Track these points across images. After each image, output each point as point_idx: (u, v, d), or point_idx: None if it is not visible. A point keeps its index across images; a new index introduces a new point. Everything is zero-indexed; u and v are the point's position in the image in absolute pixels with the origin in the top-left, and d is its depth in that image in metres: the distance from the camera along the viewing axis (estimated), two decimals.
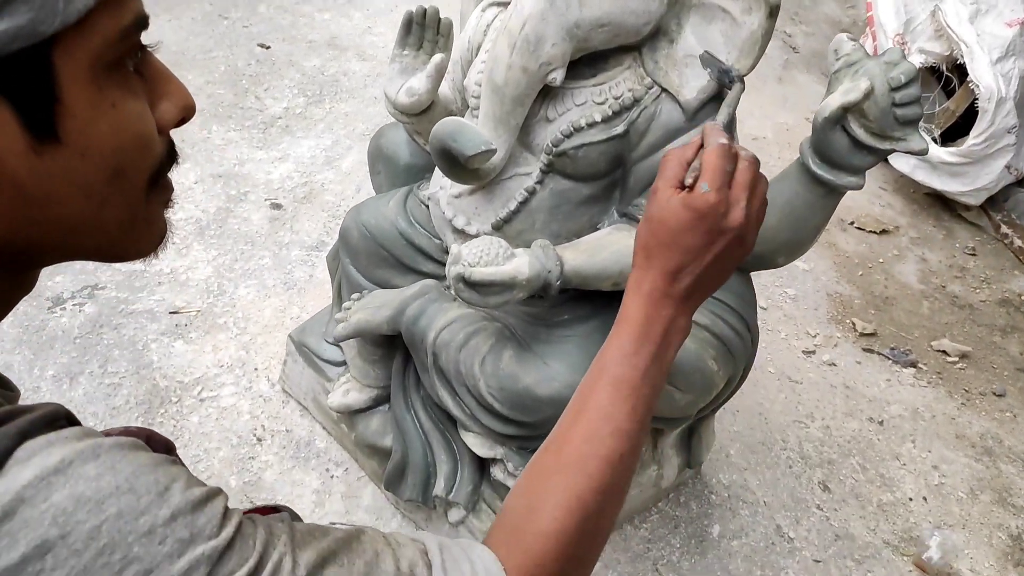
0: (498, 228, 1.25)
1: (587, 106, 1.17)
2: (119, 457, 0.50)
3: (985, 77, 2.35)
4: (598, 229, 1.27)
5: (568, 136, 1.17)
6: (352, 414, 1.57)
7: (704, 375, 1.23)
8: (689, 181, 0.74)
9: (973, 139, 2.40)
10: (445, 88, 1.38)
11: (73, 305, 1.87)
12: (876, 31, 2.69)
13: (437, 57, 1.28)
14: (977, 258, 2.52)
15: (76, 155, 0.50)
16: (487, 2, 1.30)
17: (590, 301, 1.31)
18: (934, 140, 2.55)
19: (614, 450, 0.67)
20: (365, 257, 1.46)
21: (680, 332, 0.74)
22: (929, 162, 2.52)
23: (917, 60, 2.53)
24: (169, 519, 0.49)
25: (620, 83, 1.17)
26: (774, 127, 2.88)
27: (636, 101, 1.16)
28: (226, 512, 0.52)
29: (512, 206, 1.24)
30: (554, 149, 1.18)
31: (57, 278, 1.92)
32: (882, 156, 1.09)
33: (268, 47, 2.78)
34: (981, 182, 2.48)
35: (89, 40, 0.48)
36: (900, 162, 2.61)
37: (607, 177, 1.23)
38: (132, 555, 0.47)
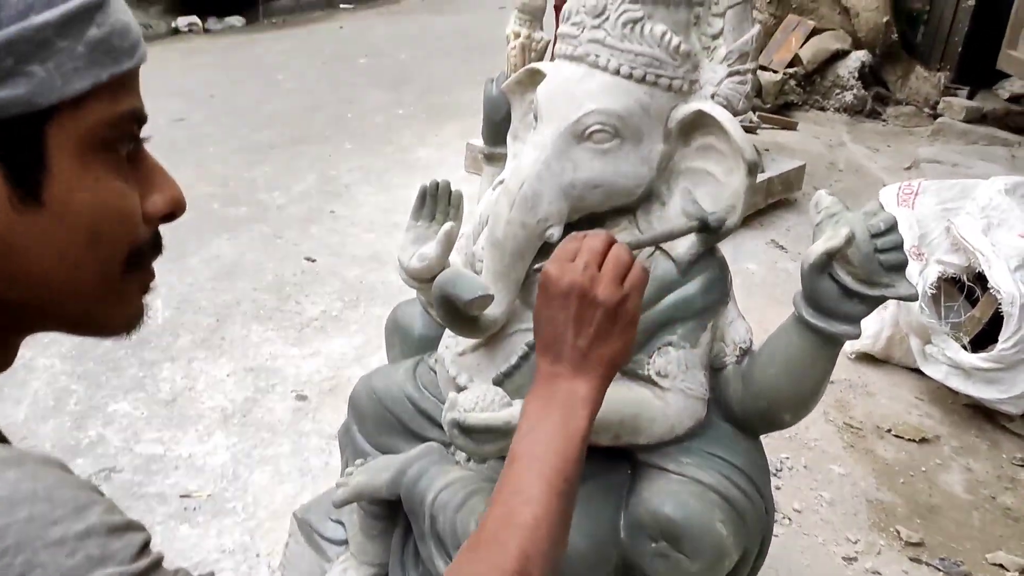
0: (499, 383, 1.26)
1: None
2: (43, 470, 0.50)
3: (1005, 283, 2.38)
4: None
5: None
6: None
7: (713, 539, 1.16)
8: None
9: (1002, 344, 2.37)
10: (456, 258, 1.45)
11: None
12: None
13: (447, 225, 1.37)
14: None
15: (55, 218, 0.54)
16: (498, 180, 1.41)
17: (590, 461, 1.27)
18: (964, 348, 2.53)
19: (526, 516, 0.67)
20: (372, 423, 1.47)
21: (584, 401, 0.78)
22: (962, 369, 2.48)
23: (936, 271, 2.59)
24: (83, 534, 0.48)
25: None
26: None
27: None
28: (145, 547, 0.51)
29: (513, 360, 1.25)
30: None
31: (78, 460, 1.95)
32: (873, 304, 1.10)
33: (314, 260, 2.99)
34: (1018, 389, 2.40)
35: (82, 119, 0.54)
36: (933, 369, 2.57)
37: None
38: (37, 561, 0.46)
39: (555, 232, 1.19)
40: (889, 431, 2.46)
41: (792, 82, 5.49)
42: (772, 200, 3.89)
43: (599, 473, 1.25)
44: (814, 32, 5.70)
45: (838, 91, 5.59)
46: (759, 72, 5.42)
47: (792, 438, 2.35)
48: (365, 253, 3.08)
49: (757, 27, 3.96)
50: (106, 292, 0.60)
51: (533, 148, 1.18)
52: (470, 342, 1.31)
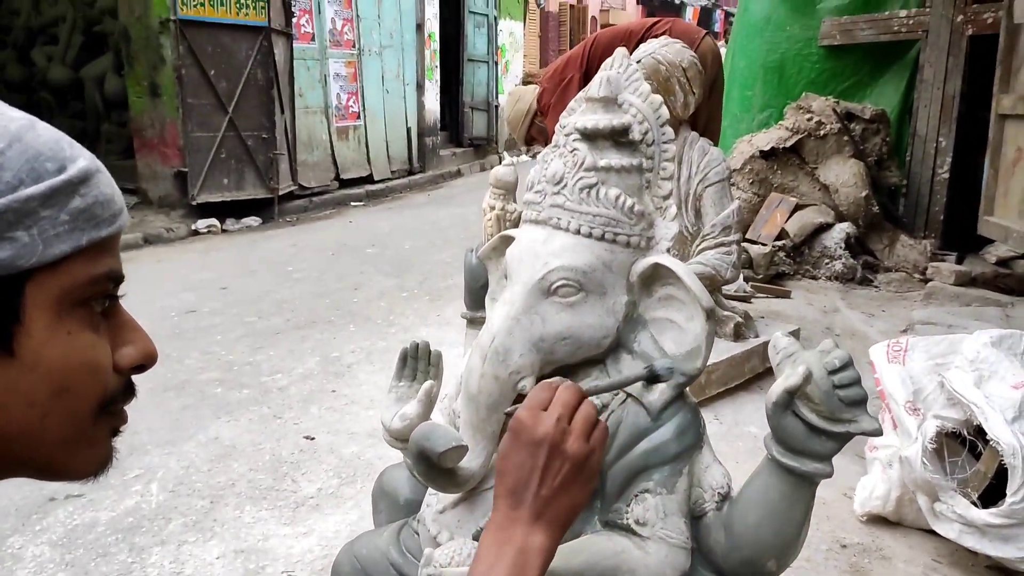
0: (478, 538, 1.25)
1: None
2: None
3: (1005, 435, 2.35)
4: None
5: None
6: None
7: None
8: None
9: (1011, 498, 2.31)
10: (439, 418, 1.49)
11: None
12: (888, 402, 2.78)
13: (427, 384, 1.42)
14: None
15: (25, 369, 0.57)
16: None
17: None
18: (973, 504, 2.46)
19: None
20: None
21: (539, 552, 0.79)
22: (975, 526, 2.39)
23: (934, 426, 2.56)
24: None
25: None
26: None
27: (604, 406, 1.25)
28: None
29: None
30: None
31: None
32: (840, 441, 1.12)
33: (313, 438, 2.99)
34: None
35: (60, 279, 0.58)
36: (946, 528, 2.48)
37: None
38: None
39: (527, 384, 1.23)
40: None
41: (781, 253, 5.69)
42: (770, 365, 3.91)
43: None
44: (797, 208, 5.99)
45: (827, 260, 5.78)
46: (749, 246, 5.65)
47: None
48: (363, 430, 3.08)
49: (737, 203, 4.18)
50: (75, 439, 0.62)
51: (503, 305, 1.25)
52: (450, 499, 1.32)
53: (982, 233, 5.37)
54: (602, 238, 1.22)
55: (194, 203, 7.56)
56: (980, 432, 2.56)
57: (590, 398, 0.90)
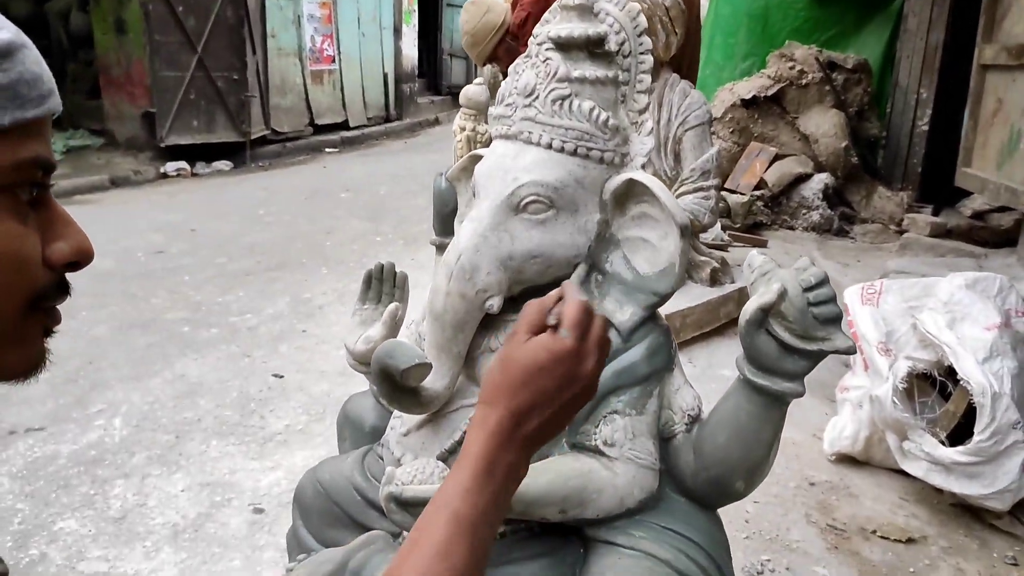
0: (443, 460, 1.22)
1: None
2: None
3: (974, 374, 2.36)
4: None
5: None
6: None
7: None
8: (552, 321, 0.76)
9: (979, 436, 2.33)
10: (406, 341, 1.44)
11: None
12: (861, 344, 2.78)
13: (392, 306, 1.37)
14: (1020, 568, 2.27)
15: None
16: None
17: (540, 541, 1.22)
18: (941, 443, 2.48)
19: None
20: (317, 516, 1.41)
21: (517, 480, 0.74)
22: (942, 464, 2.41)
23: (905, 366, 2.57)
24: None
25: None
26: (781, 440, 2.82)
27: None
28: None
29: (457, 436, 1.22)
30: None
31: None
32: (813, 359, 1.09)
33: (282, 377, 2.95)
34: (1001, 483, 2.33)
35: None
36: (913, 466, 2.50)
37: None
38: None
39: (495, 303, 1.18)
40: (874, 532, 2.36)
41: (759, 203, 5.66)
42: None
43: (549, 552, 1.19)
44: (777, 157, 5.95)
45: (804, 211, 5.77)
46: (728, 195, 5.61)
47: (773, 540, 2.26)
48: (334, 369, 3.04)
49: (717, 147, 4.12)
50: (2, 335, 0.59)
51: (470, 221, 1.20)
52: (414, 421, 1.28)
53: (959, 184, 5.37)
54: (575, 153, 1.17)
55: (162, 145, 7.37)
56: (950, 373, 2.58)
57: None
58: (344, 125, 9.92)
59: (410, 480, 1.11)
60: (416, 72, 11.92)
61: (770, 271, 1.12)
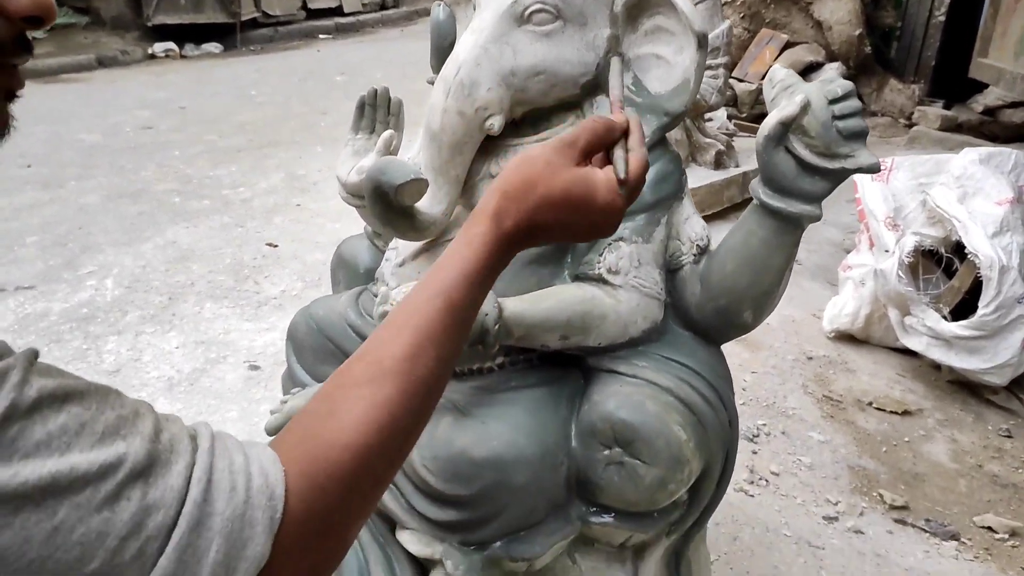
0: None
1: None
2: None
3: (983, 247, 2.32)
4: None
5: None
6: None
7: (669, 442, 1.06)
8: (622, 172, 0.72)
9: (983, 310, 2.30)
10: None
11: None
12: (868, 220, 2.72)
13: (386, 133, 1.30)
14: (1015, 440, 2.28)
15: None
16: None
17: (539, 371, 1.18)
18: (944, 318, 2.46)
19: (436, 375, 0.59)
20: (311, 352, 1.37)
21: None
22: (943, 339, 2.40)
23: (912, 241, 2.52)
24: None
25: None
26: (780, 317, 2.82)
27: None
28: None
29: None
30: None
31: None
32: (834, 180, 1.03)
33: (276, 246, 2.89)
34: (1001, 358, 2.32)
35: None
36: (914, 341, 2.49)
37: None
38: None
39: (495, 123, 1.11)
40: (871, 404, 2.36)
41: None
42: (749, 195, 3.85)
43: (549, 381, 1.16)
44: (788, 45, 5.74)
45: None
46: (735, 83, 5.44)
47: (770, 407, 2.26)
48: (330, 240, 2.98)
49: (727, 22, 3.93)
50: None
51: (470, 33, 1.11)
52: (410, 250, 1.22)
53: (973, 76, 5.19)
54: None
55: (149, 24, 7.09)
56: (957, 250, 2.53)
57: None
58: (339, 11, 9.54)
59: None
60: None
61: (793, 84, 1.04)
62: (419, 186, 1.07)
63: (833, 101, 0.99)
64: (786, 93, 1.04)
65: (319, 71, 6.47)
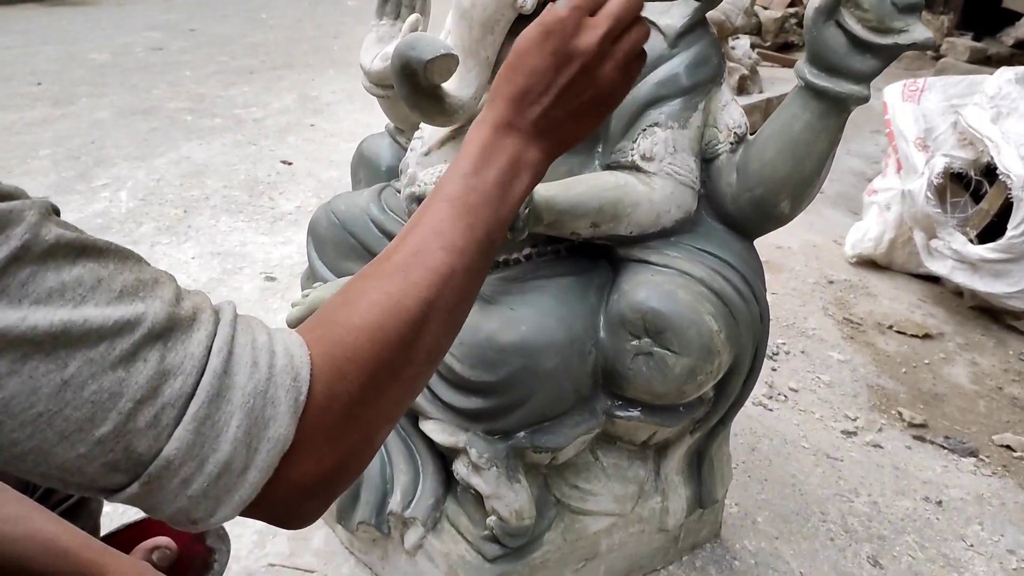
0: None
1: None
2: None
3: (1015, 167, 2.26)
4: None
5: None
6: None
7: (701, 332, 1.04)
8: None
9: (1012, 232, 2.25)
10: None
11: None
12: (897, 142, 2.65)
13: (412, 17, 1.24)
14: None
15: None
16: None
17: (568, 261, 1.16)
18: (971, 242, 2.41)
19: (443, 262, 0.56)
20: (332, 247, 1.35)
21: (530, 167, 0.63)
22: (969, 262, 2.36)
23: (942, 162, 2.46)
24: None
25: None
26: (801, 242, 2.77)
27: None
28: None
29: None
30: None
31: None
32: (885, 57, 0.98)
33: (290, 163, 2.85)
34: None
35: None
36: (938, 264, 2.45)
37: None
38: None
39: (528, 2, 1.05)
40: (891, 327, 2.34)
41: (793, 21, 5.34)
42: None
43: (578, 271, 1.13)
44: None
45: None
46: (759, 10, 5.28)
47: (789, 326, 2.24)
48: (344, 159, 2.93)
49: None
50: None
51: None
52: (435, 138, 1.19)
53: (1007, 5, 5.04)
54: None
55: None
56: (987, 172, 2.46)
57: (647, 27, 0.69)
58: None
59: (432, 181, 1.03)
60: None
61: None
62: (449, 63, 1.03)
63: None
64: None
65: None
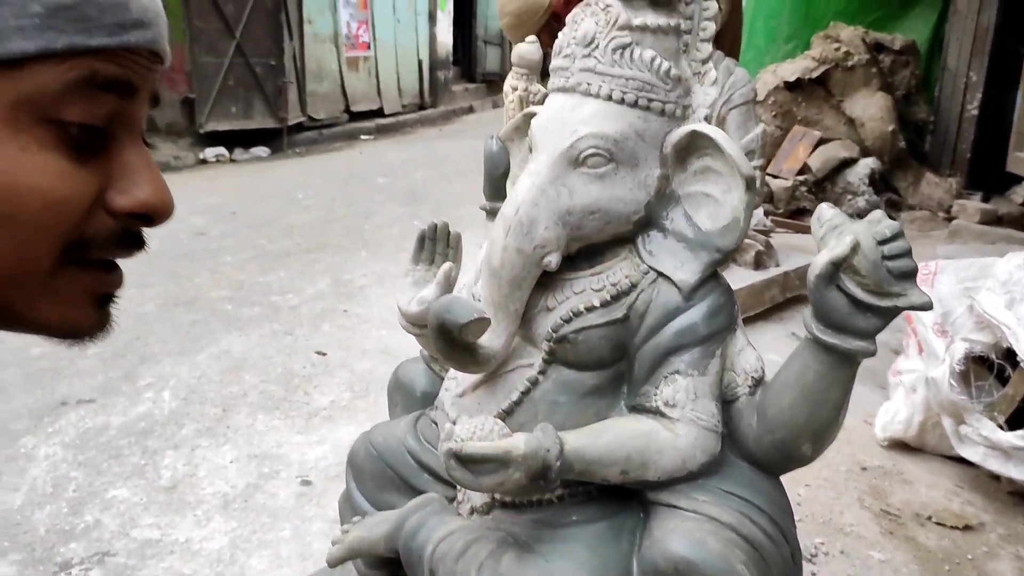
0: (501, 418, 1.20)
1: (586, 294, 1.18)
2: None
3: None
4: None
5: (568, 321, 1.17)
6: None
7: None
8: None
9: None
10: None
11: (80, 571, 1.78)
12: (915, 326, 2.71)
13: (446, 265, 1.35)
14: None
15: None
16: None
17: (599, 504, 1.19)
18: (1000, 427, 2.40)
19: None
20: (371, 479, 1.40)
21: None
22: (1000, 449, 2.34)
23: (963, 348, 2.50)
24: None
25: (617, 271, 1.19)
26: None
27: (633, 286, 1.18)
28: None
29: (514, 396, 1.20)
30: (554, 335, 1.17)
31: (71, 544, 1.86)
32: (886, 316, 1.05)
33: (324, 354, 2.96)
34: None
35: (19, 82, 0.48)
36: (970, 451, 2.43)
37: (611, 367, 1.20)
38: None
39: (553, 260, 1.16)
40: (930, 518, 2.30)
41: (803, 188, 5.56)
42: (790, 295, 3.86)
43: (609, 514, 1.17)
44: (821, 141, 5.83)
45: (850, 197, 5.65)
46: (771, 180, 5.52)
47: (827, 523, 2.21)
48: (376, 347, 3.04)
49: (761, 126, 4.02)
50: (30, 281, 0.52)
51: (528, 176, 1.17)
52: (469, 381, 1.26)
53: (1011, 170, 5.23)
54: (635, 104, 1.13)
55: (202, 131, 7.45)
56: (1009, 356, 2.49)
57: None
58: (379, 112, 9.94)
59: (469, 436, 1.09)
60: (451, 59, 11.91)
61: (841, 224, 1.08)
62: (482, 324, 1.12)
63: (882, 242, 1.02)
64: (834, 232, 1.07)
65: (361, 173, 6.71)
